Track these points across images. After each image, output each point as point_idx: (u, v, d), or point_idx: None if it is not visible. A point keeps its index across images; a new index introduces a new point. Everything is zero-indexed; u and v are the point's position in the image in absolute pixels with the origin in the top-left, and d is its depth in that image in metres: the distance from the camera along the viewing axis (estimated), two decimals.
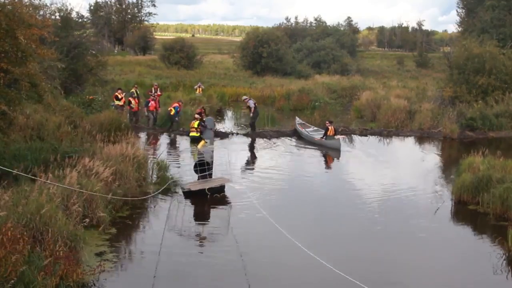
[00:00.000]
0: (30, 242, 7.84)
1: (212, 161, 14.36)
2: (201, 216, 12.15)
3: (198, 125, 20.50)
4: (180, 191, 13.26)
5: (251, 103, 23.05)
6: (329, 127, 20.45)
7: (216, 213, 12.21)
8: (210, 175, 13.82)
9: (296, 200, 13.29)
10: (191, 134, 20.51)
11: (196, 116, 21.15)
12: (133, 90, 24.16)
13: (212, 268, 8.97)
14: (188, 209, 12.24)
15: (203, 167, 13.63)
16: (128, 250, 9.60)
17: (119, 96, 23.21)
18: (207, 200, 12.74)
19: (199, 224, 11.43)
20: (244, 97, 24.86)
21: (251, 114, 22.99)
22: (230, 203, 12.75)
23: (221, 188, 13.27)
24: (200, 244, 10.15)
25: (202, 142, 15.47)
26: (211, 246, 10.08)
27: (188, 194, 12.98)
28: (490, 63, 26.36)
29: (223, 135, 22.10)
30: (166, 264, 8.97)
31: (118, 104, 22.92)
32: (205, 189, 12.87)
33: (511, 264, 9.34)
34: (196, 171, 13.70)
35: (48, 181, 9.96)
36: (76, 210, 9.53)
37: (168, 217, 11.41)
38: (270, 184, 14.48)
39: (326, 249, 9.87)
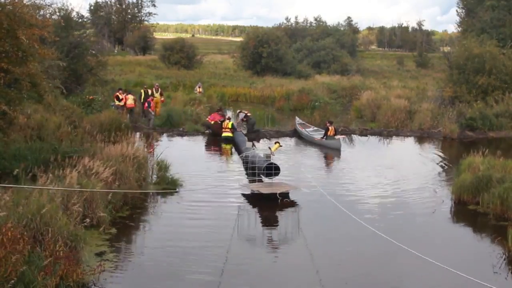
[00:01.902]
0: (30, 242, 7.83)
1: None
2: (268, 218, 12.13)
3: (232, 126, 20.83)
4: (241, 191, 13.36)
5: (241, 115, 23.18)
6: (329, 127, 20.45)
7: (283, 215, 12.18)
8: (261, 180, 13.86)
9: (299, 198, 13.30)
10: (225, 134, 20.81)
11: (230, 116, 22.06)
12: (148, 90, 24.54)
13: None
14: (255, 211, 12.33)
15: (276, 171, 13.72)
16: (128, 250, 9.60)
17: (120, 97, 23.26)
18: (272, 202, 12.64)
19: (267, 227, 11.48)
20: (238, 110, 25.05)
21: (246, 125, 23.00)
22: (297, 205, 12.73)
23: (287, 194, 13.18)
24: (270, 247, 10.13)
25: (276, 145, 15.45)
26: (281, 249, 10.07)
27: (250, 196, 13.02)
28: (490, 63, 26.37)
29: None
30: (231, 267, 8.91)
31: (118, 105, 22.96)
32: (276, 193, 12.75)
33: (511, 264, 9.34)
34: (268, 174, 13.69)
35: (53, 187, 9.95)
36: (76, 210, 9.53)
37: (237, 219, 11.43)
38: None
39: (326, 249, 9.90)
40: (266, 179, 13.95)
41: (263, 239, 10.57)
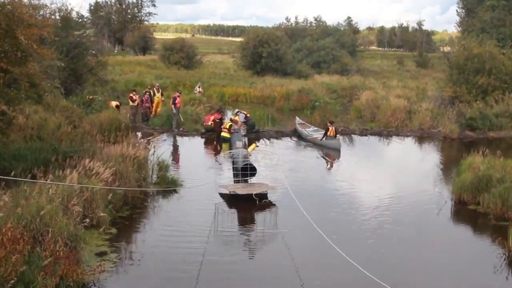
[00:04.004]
0: (30, 242, 7.83)
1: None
2: (246, 219, 12.02)
3: (229, 127, 20.83)
4: (217, 192, 13.15)
5: (242, 116, 23.10)
6: (330, 128, 20.39)
7: (261, 217, 12.01)
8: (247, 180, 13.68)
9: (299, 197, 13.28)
10: (223, 134, 20.85)
11: (234, 118, 21.84)
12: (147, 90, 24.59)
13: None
14: (232, 212, 12.23)
15: (252, 172, 13.47)
16: (128, 250, 9.60)
17: (134, 98, 23.36)
18: (251, 203, 12.47)
19: (244, 227, 11.37)
20: (236, 110, 24.95)
21: (246, 126, 22.91)
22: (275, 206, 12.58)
23: (265, 195, 13.03)
24: (247, 248, 10.07)
25: (253, 145, 15.15)
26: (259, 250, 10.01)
27: (227, 196, 12.85)
28: (490, 63, 26.36)
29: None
30: (209, 269, 8.88)
31: (132, 105, 23.11)
32: (252, 194, 12.59)
33: (511, 264, 9.34)
34: (244, 175, 13.45)
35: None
36: (76, 210, 9.53)
37: (214, 220, 11.34)
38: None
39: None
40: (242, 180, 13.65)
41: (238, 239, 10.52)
